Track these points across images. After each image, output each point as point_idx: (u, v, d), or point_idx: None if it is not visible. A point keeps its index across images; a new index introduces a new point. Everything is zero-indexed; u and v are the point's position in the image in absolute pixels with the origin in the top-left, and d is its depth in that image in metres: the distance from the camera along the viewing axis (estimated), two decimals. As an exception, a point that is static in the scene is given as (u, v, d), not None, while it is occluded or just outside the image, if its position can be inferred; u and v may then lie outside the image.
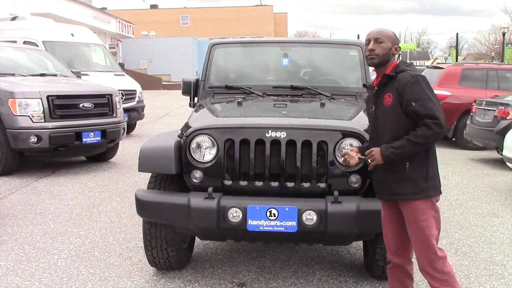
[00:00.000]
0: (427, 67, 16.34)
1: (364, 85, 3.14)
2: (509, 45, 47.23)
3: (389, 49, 2.94)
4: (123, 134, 8.62)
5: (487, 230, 5.32)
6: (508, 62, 31.81)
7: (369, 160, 2.89)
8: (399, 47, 3.00)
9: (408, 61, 3.11)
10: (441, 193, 2.95)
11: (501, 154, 8.03)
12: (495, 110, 9.08)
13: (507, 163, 7.36)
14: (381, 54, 2.92)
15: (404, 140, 2.77)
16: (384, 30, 2.99)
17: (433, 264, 2.86)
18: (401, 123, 2.84)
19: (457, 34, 49.54)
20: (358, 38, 30.64)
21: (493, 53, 57.56)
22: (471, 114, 9.95)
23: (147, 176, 4.04)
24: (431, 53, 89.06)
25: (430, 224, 2.85)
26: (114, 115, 8.30)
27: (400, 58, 3.06)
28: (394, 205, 2.98)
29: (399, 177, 2.86)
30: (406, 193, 2.85)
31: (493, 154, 9.94)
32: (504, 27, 45.15)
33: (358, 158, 3.06)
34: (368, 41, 2.98)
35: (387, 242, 3.11)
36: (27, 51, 9.56)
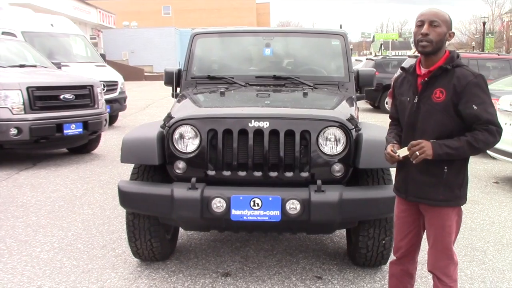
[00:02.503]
0: (409, 56, 16.46)
1: (403, 68, 2.82)
2: (490, 35, 47.78)
3: (444, 35, 2.55)
4: (105, 126, 8.55)
5: (467, 217, 5.40)
6: (488, 52, 32.15)
7: (417, 152, 2.49)
8: (453, 33, 2.61)
9: (456, 51, 2.70)
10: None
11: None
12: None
13: (487, 151, 7.46)
14: (435, 41, 2.52)
15: (462, 142, 2.46)
16: (440, 12, 2.57)
17: (445, 269, 2.68)
18: (449, 124, 2.54)
19: (438, 23, 49.83)
20: (341, 27, 30.66)
21: (473, 43, 58.14)
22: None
23: (129, 167, 4.02)
24: (412, 43, 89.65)
25: (452, 229, 2.65)
26: (96, 106, 8.22)
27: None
28: (415, 206, 2.74)
29: (435, 181, 2.59)
30: (438, 199, 2.60)
31: (474, 143, 10.06)
32: (484, 17, 45.61)
33: (397, 156, 2.60)
34: (420, 23, 2.56)
35: (396, 241, 2.89)
36: (5, 41, 9.38)
